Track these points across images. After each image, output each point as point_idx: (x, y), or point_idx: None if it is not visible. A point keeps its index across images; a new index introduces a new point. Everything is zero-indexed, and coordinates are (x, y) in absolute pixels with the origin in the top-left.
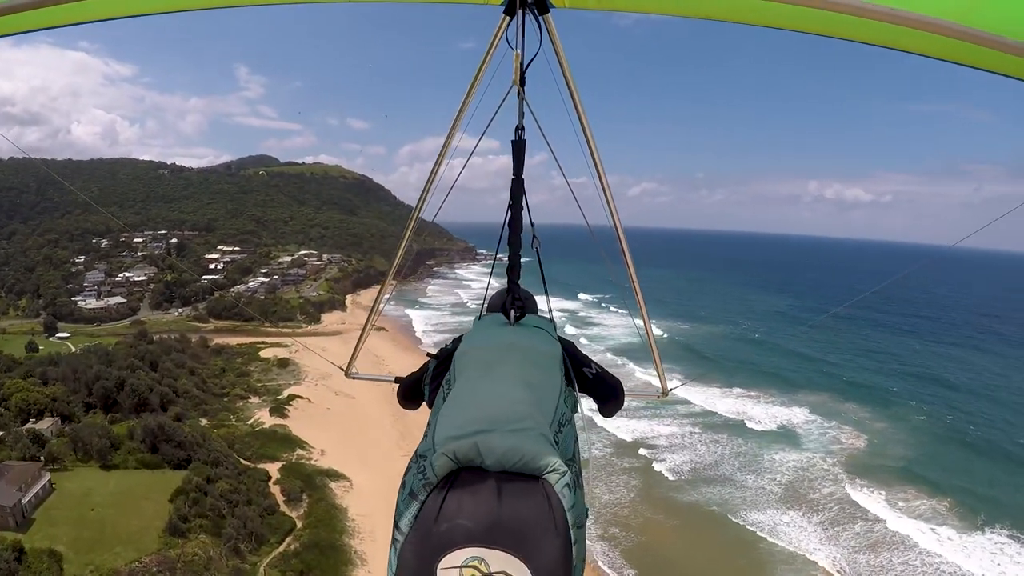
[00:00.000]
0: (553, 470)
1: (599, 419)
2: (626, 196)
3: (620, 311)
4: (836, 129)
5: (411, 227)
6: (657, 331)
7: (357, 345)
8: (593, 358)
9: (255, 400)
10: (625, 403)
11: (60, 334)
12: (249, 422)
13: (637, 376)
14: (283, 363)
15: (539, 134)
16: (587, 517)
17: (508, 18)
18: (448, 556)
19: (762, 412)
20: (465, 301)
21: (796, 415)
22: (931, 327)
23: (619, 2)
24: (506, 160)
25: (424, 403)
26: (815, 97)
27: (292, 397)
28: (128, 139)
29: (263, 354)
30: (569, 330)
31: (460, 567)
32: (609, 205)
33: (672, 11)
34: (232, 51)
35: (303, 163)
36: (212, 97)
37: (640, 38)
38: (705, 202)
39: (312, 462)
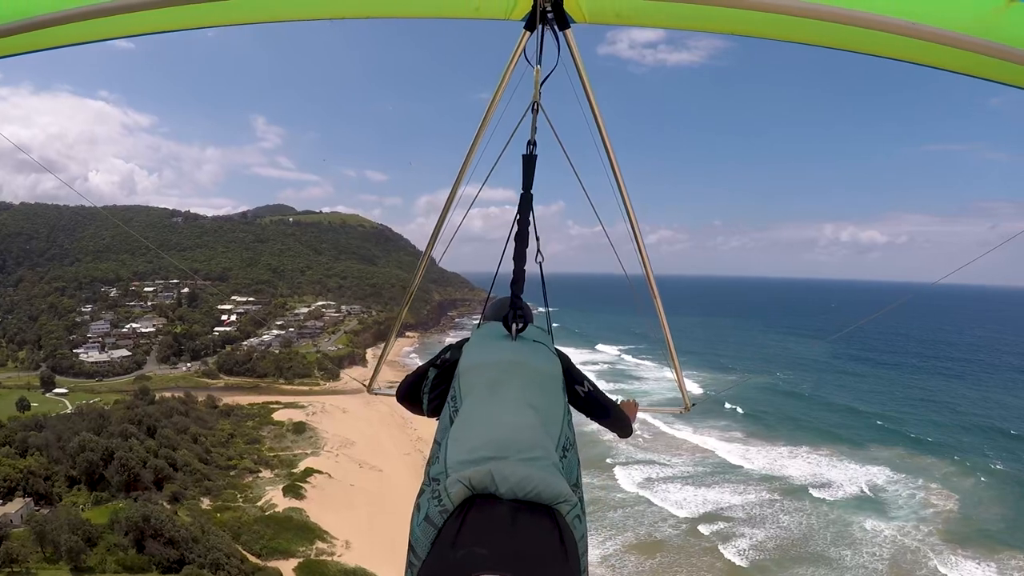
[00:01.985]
0: (564, 501)
1: (657, 496)
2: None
3: (654, 363)
4: (849, 172)
5: (427, 256)
6: (692, 385)
7: (379, 362)
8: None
9: (266, 475)
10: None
11: (57, 390)
12: (259, 503)
13: (682, 439)
14: (299, 428)
15: (549, 150)
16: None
17: (528, 33)
18: None
19: (839, 474)
20: None
21: (876, 475)
22: (973, 371)
23: (638, 18)
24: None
25: (423, 409)
26: (828, 140)
27: (309, 471)
28: (146, 188)
29: (276, 416)
30: (603, 385)
31: None
32: (628, 212)
33: (691, 26)
34: (250, 102)
35: (320, 212)
36: (230, 148)
37: (654, 86)
38: (723, 248)
39: (335, 558)
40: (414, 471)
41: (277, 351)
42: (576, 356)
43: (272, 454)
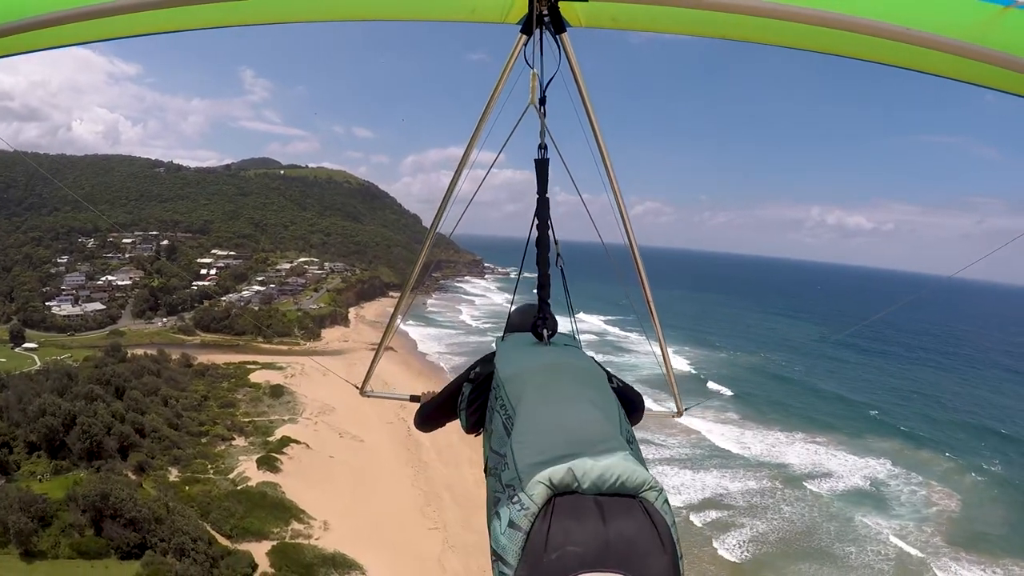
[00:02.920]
0: (651, 488)
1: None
2: (629, 214)
3: (640, 336)
4: (839, 156)
5: (428, 244)
6: (681, 362)
7: (373, 362)
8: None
9: (240, 443)
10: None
11: (27, 344)
12: (231, 476)
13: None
14: (276, 391)
15: (557, 153)
16: None
17: (525, 37)
18: None
19: (838, 464)
20: (470, 322)
21: (876, 468)
22: (959, 366)
23: (635, 22)
24: (510, 174)
25: (463, 426)
26: (819, 124)
27: (286, 440)
28: (130, 139)
29: (253, 378)
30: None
31: None
32: (625, 225)
33: (688, 31)
34: (238, 54)
35: (307, 167)
36: (217, 100)
37: (648, 58)
38: (708, 224)
39: (312, 541)
40: (397, 442)
41: (257, 308)
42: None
43: (247, 419)
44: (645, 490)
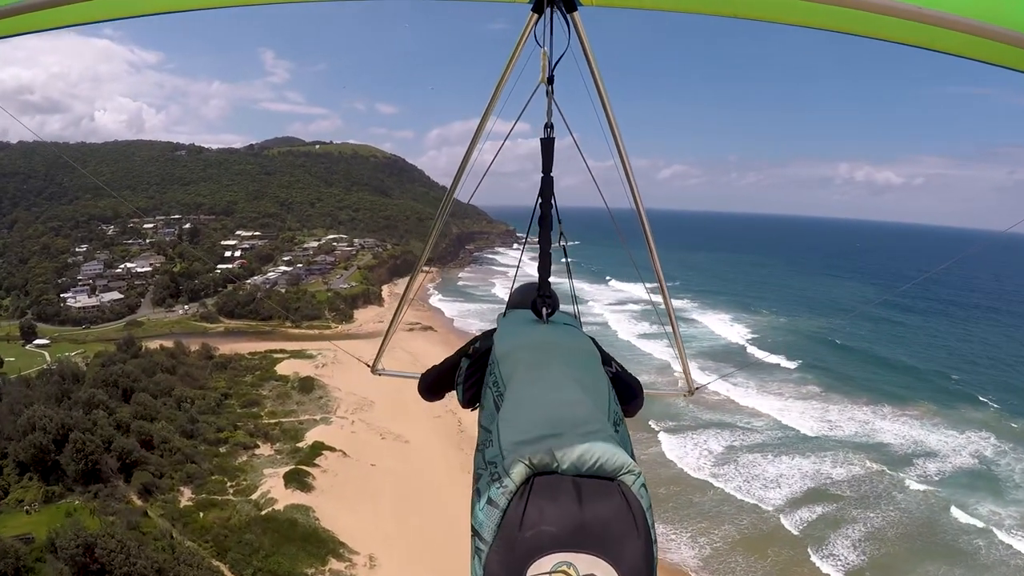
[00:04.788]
0: (628, 471)
1: (742, 473)
2: (656, 179)
3: (695, 304)
4: (866, 111)
5: (440, 218)
6: (734, 337)
7: (384, 338)
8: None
9: (265, 451)
10: (646, 402)
11: (38, 341)
12: (254, 496)
13: (736, 400)
14: (306, 385)
15: (568, 132)
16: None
17: (536, 16)
18: (536, 562)
19: (939, 441)
20: (504, 296)
21: (980, 444)
22: (1021, 324)
23: (647, 0)
24: (535, 144)
25: (459, 400)
26: (845, 78)
27: (319, 447)
28: (154, 126)
29: (280, 369)
30: (650, 327)
31: (549, 573)
32: (638, 207)
33: (700, 9)
34: (258, 36)
35: (331, 143)
36: (238, 83)
37: (676, 16)
38: (737, 184)
39: None
40: (448, 440)
41: (283, 290)
42: (595, 292)
43: (273, 421)
44: (623, 473)
